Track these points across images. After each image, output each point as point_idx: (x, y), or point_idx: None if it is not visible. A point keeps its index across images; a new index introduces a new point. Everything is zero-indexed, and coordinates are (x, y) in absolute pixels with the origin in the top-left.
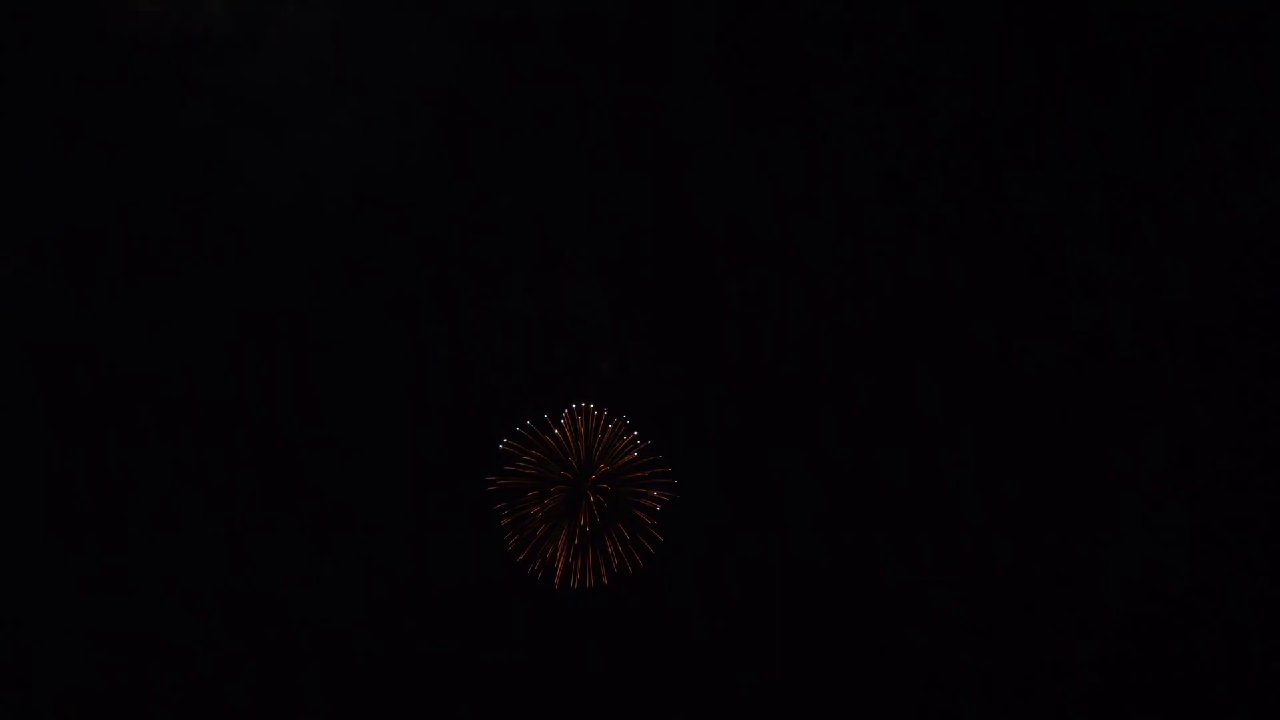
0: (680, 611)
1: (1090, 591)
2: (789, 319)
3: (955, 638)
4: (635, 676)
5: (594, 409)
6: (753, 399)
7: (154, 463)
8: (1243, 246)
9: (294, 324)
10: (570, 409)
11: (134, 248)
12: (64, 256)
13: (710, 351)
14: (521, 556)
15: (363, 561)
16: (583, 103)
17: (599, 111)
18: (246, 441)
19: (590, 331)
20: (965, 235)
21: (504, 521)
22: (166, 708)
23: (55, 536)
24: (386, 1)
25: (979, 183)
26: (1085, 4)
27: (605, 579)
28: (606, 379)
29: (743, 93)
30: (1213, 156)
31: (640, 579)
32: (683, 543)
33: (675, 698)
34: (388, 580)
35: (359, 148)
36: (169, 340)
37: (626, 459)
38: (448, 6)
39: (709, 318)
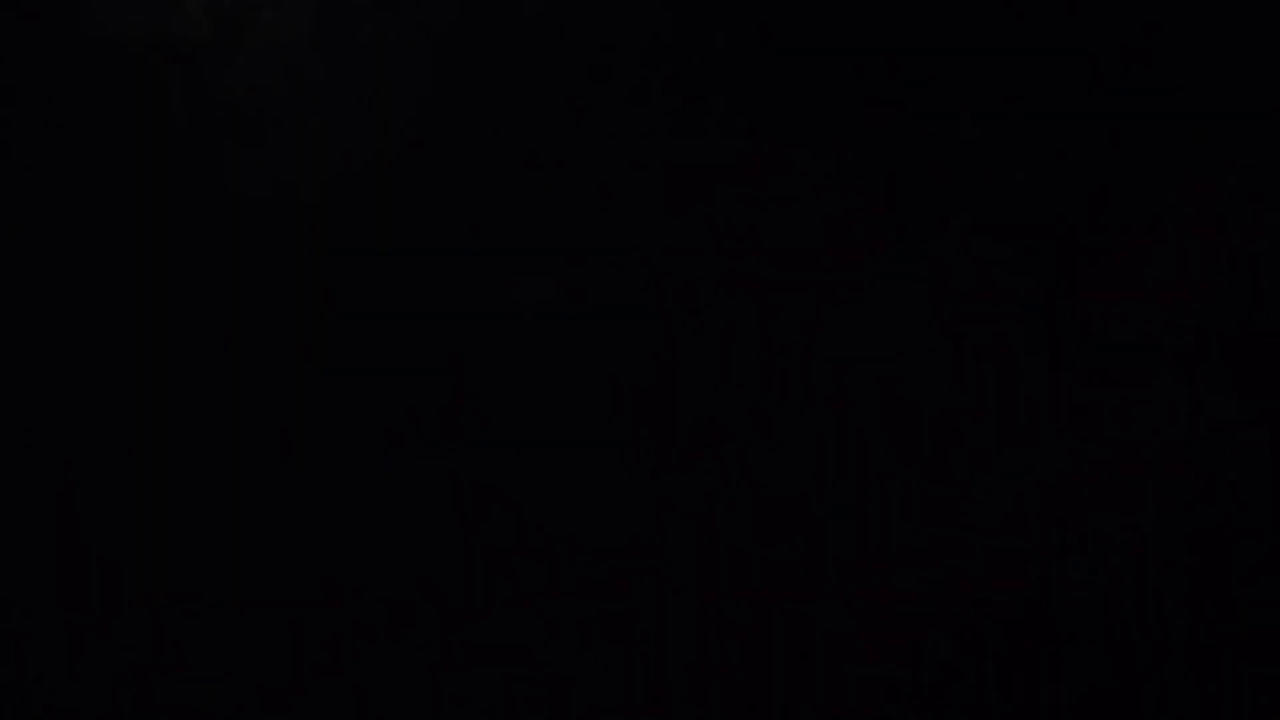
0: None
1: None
2: (779, 318)
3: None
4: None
5: None
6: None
7: (144, 463)
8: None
9: (280, 324)
10: None
11: (119, 249)
12: (49, 257)
13: (698, 350)
14: None
15: (361, 559)
16: (567, 106)
17: (585, 116)
18: (241, 441)
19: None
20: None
21: None
22: (166, 707)
23: (53, 536)
24: (364, 6)
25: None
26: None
27: None
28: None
29: (733, 99)
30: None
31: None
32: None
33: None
34: (386, 579)
35: (339, 152)
36: (154, 341)
37: None
38: (426, 11)
39: (697, 317)
